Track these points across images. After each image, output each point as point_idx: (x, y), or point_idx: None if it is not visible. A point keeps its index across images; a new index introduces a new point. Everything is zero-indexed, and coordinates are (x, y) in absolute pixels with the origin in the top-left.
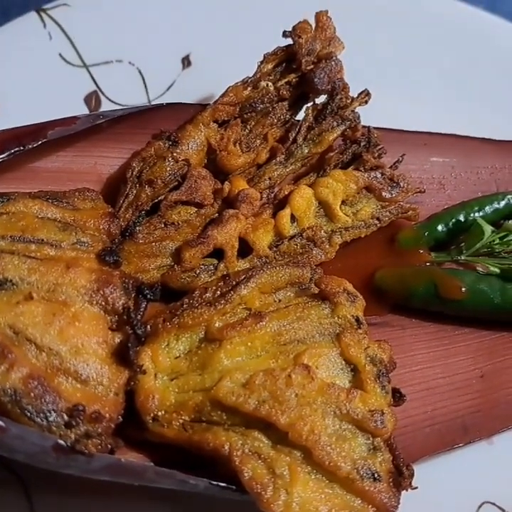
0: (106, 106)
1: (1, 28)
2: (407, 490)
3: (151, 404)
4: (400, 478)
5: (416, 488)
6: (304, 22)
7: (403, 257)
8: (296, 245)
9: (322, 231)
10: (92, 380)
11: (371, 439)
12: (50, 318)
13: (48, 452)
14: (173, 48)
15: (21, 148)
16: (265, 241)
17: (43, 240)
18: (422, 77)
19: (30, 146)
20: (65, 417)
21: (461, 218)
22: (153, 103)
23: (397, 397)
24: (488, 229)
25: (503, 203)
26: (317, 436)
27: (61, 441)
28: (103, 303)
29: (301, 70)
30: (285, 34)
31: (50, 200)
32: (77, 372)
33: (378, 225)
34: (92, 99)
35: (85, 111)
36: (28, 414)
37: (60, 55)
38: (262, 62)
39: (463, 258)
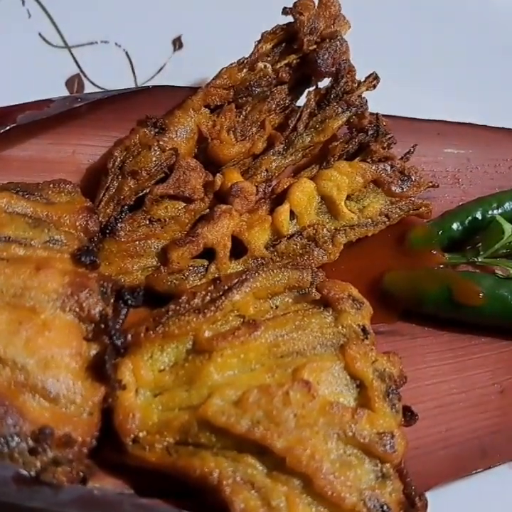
0: (89, 90)
1: None
2: None
3: (131, 424)
4: (412, 510)
5: None
6: None
7: (414, 258)
8: (296, 245)
9: (324, 229)
10: (63, 397)
11: (380, 465)
12: (16, 327)
13: (7, 483)
14: (164, 28)
15: None
16: (261, 240)
17: (10, 237)
18: (436, 61)
19: None
20: (30, 441)
21: (478, 216)
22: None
23: (409, 416)
24: (508, 228)
25: None
26: (318, 462)
27: (23, 471)
28: (77, 309)
29: (302, 50)
30: (285, 11)
31: (20, 193)
32: (45, 388)
33: (387, 222)
34: (74, 82)
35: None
36: None
37: (40, 34)
38: (259, 42)
39: (480, 260)
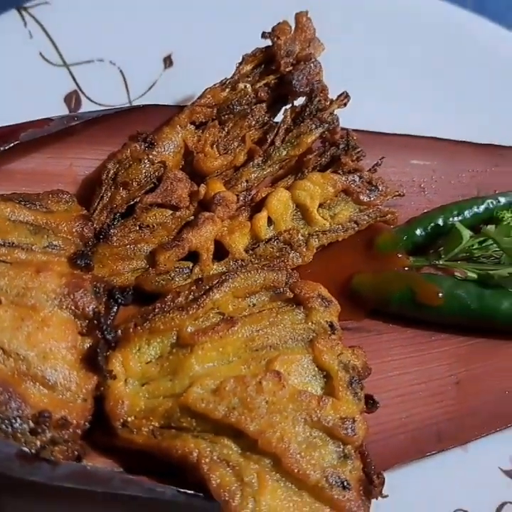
0: (86, 106)
1: None
2: (377, 498)
3: (120, 409)
4: (370, 486)
5: (386, 496)
6: (283, 23)
7: (381, 261)
8: (273, 248)
9: (299, 234)
10: (60, 385)
11: (342, 446)
12: (19, 323)
13: (11, 459)
14: (155, 47)
15: None
16: (241, 244)
17: (13, 243)
18: (402, 79)
19: (2, 148)
20: (31, 423)
21: (440, 222)
22: (134, 103)
23: (371, 404)
24: (466, 234)
25: (482, 208)
26: (287, 443)
27: (25, 449)
28: (73, 307)
29: (279, 71)
30: (264, 35)
31: (22, 203)
32: (44, 377)
33: (356, 228)
34: (72, 99)
35: (65, 111)
36: None
37: (41, 54)
38: (240, 64)
39: (441, 263)
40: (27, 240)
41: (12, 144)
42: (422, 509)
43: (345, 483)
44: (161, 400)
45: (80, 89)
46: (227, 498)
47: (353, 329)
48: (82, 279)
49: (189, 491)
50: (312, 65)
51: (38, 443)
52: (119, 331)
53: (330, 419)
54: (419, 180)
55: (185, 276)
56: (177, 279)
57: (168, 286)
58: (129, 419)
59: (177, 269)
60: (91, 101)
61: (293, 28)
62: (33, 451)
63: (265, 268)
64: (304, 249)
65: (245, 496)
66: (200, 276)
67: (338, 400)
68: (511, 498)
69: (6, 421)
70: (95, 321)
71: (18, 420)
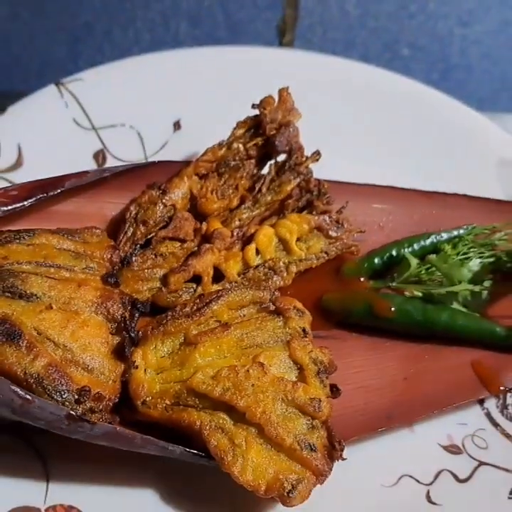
0: (110, 161)
1: (27, 98)
2: (338, 460)
3: (141, 391)
4: (333, 451)
5: (345, 459)
6: (268, 97)
7: (347, 284)
8: (260, 273)
9: (281, 262)
10: (96, 370)
11: (311, 420)
12: (65, 323)
13: (61, 420)
14: (167, 114)
15: (44, 194)
16: (235, 269)
17: (59, 265)
18: (364, 140)
19: (51, 194)
20: (75, 395)
21: (394, 253)
22: (149, 159)
23: (335, 390)
24: (414, 262)
25: (428, 241)
26: (268, 416)
27: (72, 412)
28: (106, 313)
29: (265, 134)
30: (253, 106)
31: (65, 235)
32: (84, 363)
33: (326, 257)
34: (100, 156)
35: (94, 166)
36: (48, 392)
37: (74, 120)
38: (235, 128)
39: (394, 285)
40: (70, 263)
41: (59, 190)
42: (375, 474)
43: (312, 447)
44: (172, 384)
45: (106, 148)
46: (222, 456)
47: (324, 336)
48: (112, 293)
49: (194, 450)
50: (291, 129)
51: (80, 410)
52: (140, 333)
53: (301, 399)
54: (378, 221)
55: (190, 294)
56: (184, 296)
57: (177, 302)
58: (148, 398)
59: (184, 289)
60: (115, 157)
61: (276, 100)
62: (77, 413)
63: (253, 288)
64: (285, 274)
65: (236, 454)
66: (202, 294)
67: (308, 385)
68: (447, 466)
69: (58, 393)
70: (122, 324)
71: (66, 392)
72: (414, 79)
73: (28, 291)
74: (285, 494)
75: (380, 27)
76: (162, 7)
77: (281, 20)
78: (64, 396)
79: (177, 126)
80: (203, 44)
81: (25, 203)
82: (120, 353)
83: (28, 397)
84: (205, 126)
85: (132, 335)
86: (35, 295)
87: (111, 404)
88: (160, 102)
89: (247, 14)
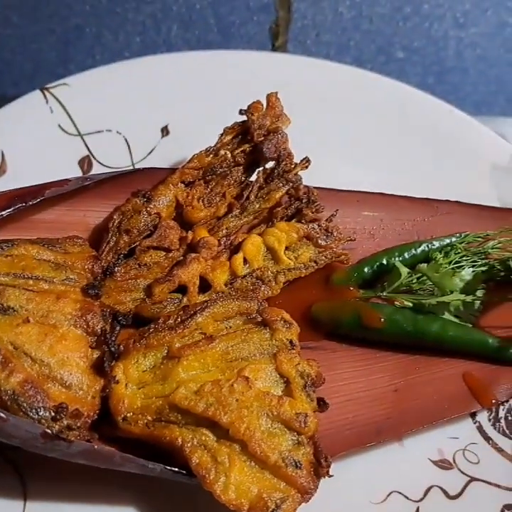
0: (96, 168)
1: (11, 104)
2: (324, 477)
3: (121, 407)
4: (319, 468)
5: (332, 476)
6: (256, 102)
7: (336, 293)
8: (248, 283)
9: (269, 271)
10: (74, 385)
11: (297, 436)
12: (43, 337)
13: (36, 438)
14: (154, 119)
15: (24, 204)
16: (222, 279)
17: (38, 276)
18: (354, 146)
19: (31, 203)
20: (52, 412)
21: (384, 262)
22: (136, 166)
23: (322, 404)
24: (404, 271)
25: (419, 250)
26: (252, 432)
27: (48, 430)
28: (85, 326)
29: (253, 141)
30: (241, 112)
31: (45, 246)
32: (62, 379)
33: (316, 267)
34: (85, 162)
35: (79, 173)
36: (23, 409)
37: (59, 125)
38: (222, 134)
39: (384, 294)
40: (49, 274)
41: (39, 200)
42: (363, 490)
43: (298, 464)
44: (153, 400)
45: (92, 155)
46: (204, 474)
47: (313, 347)
48: (92, 305)
49: (174, 468)
50: (280, 135)
51: (57, 427)
52: (121, 346)
53: (287, 414)
54: (369, 228)
55: (175, 305)
56: (169, 308)
57: (162, 314)
58: (128, 414)
59: (169, 300)
60: (100, 164)
61: (265, 105)
62: (54, 431)
63: (240, 298)
64: (273, 284)
65: (219, 472)
66: (186, 305)
67: (295, 399)
68: (437, 482)
69: (34, 410)
70: (102, 338)
71: (42, 409)
72: (409, 82)
73: (4, 304)
74: None
75: (374, 29)
76: (153, 10)
77: (274, 22)
78: (40, 413)
79: (165, 131)
80: (194, 47)
81: (4, 212)
82: (100, 368)
83: (2, 415)
84: (194, 132)
85: (112, 349)
86: (12, 308)
87: (89, 421)
88: (147, 107)
89: (239, 17)
